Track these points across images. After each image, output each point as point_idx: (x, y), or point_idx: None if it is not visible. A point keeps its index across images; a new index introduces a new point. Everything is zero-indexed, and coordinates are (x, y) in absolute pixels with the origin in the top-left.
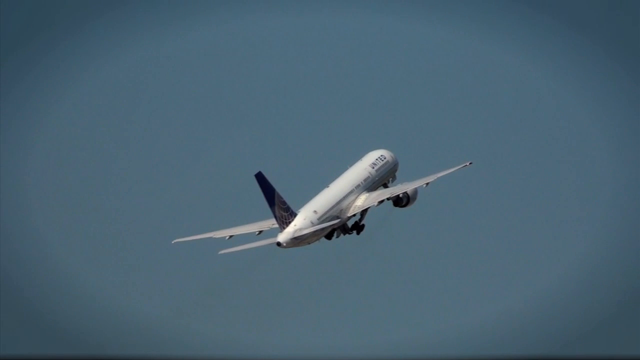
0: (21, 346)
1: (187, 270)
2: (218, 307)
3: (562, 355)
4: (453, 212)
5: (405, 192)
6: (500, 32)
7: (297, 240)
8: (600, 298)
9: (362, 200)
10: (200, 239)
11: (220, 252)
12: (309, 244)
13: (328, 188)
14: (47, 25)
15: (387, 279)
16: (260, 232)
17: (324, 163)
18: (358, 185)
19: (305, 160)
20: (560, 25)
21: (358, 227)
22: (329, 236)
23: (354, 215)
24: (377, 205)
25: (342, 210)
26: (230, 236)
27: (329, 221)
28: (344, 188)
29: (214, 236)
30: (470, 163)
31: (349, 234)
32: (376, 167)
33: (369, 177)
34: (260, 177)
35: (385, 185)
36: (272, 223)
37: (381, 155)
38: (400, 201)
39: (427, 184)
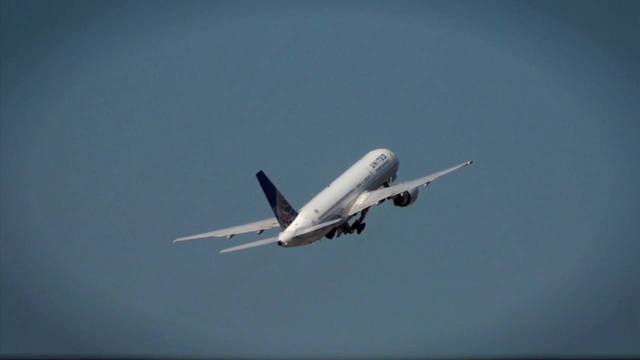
0: (21, 346)
1: (187, 270)
2: (218, 307)
3: (562, 355)
4: (454, 212)
5: (406, 191)
6: (501, 32)
7: (299, 240)
8: (600, 298)
9: (363, 200)
10: (201, 239)
11: (221, 252)
12: (310, 243)
13: (329, 187)
14: (47, 25)
15: (388, 278)
16: (262, 231)
17: (324, 162)
18: (359, 185)
19: (306, 160)
20: (561, 25)
21: (359, 226)
22: (330, 235)
23: (355, 214)
24: (378, 204)
25: (343, 209)
26: (231, 235)
27: (330, 220)
28: (345, 187)
29: (215, 235)
30: (470, 162)
31: (350, 233)
32: (377, 167)
33: (369, 176)
34: (261, 177)
35: (386, 185)
36: (273, 222)
37: (382, 155)
38: (401, 200)
39: (428, 183)
